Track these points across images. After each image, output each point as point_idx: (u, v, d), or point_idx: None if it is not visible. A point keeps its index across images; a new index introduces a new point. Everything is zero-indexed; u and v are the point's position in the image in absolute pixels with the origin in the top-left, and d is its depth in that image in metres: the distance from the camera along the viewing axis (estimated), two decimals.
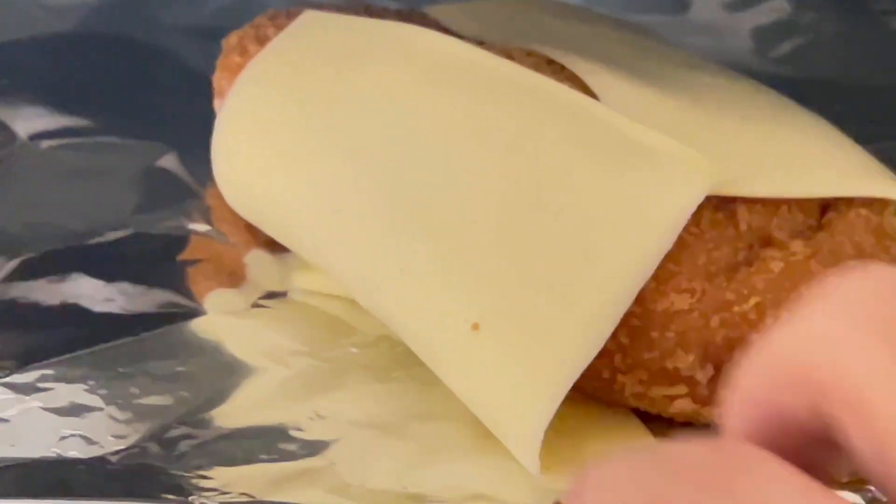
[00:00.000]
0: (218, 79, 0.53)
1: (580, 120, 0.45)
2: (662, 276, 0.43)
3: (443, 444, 0.44)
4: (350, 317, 0.49)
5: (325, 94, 0.48)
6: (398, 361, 0.47)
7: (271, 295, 0.50)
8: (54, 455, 0.42)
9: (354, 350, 0.47)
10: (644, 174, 0.43)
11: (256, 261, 0.51)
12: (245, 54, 0.52)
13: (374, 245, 0.45)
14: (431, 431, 0.44)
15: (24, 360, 0.45)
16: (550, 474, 0.42)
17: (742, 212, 0.45)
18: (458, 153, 0.45)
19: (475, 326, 0.43)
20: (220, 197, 0.52)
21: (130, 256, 0.50)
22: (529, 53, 0.50)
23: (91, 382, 0.45)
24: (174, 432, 0.43)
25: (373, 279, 0.46)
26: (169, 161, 0.55)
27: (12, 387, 0.44)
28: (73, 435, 0.43)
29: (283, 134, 0.49)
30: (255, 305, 0.49)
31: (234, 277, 0.51)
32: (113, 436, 0.43)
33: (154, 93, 0.60)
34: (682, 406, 0.44)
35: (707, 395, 0.44)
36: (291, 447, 0.43)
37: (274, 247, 0.52)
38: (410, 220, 0.45)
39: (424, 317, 0.44)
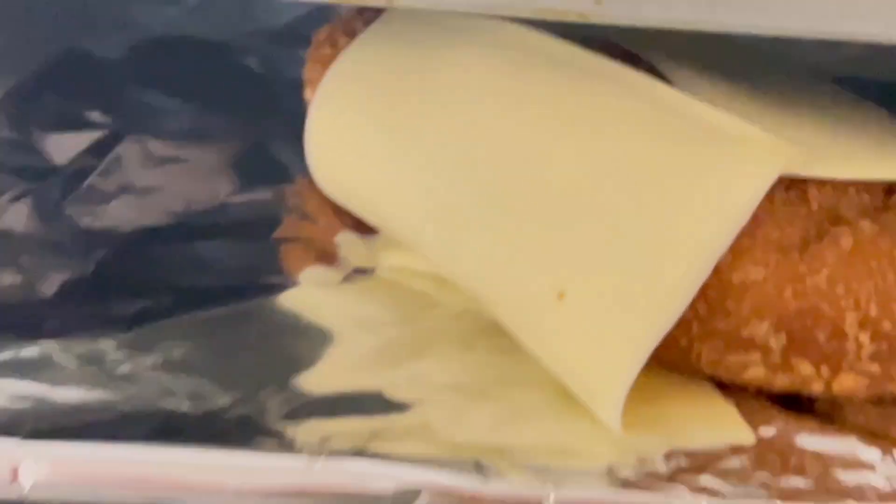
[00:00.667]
0: (309, 70, 0.55)
1: (657, 104, 0.48)
2: (738, 250, 0.45)
3: (526, 406, 0.46)
4: (435, 291, 0.51)
5: (414, 83, 0.51)
6: (482, 332, 0.49)
7: (360, 272, 0.53)
8: (164, 408, 0.45)
9: (439, 321, 0.50)
10: (720, 154, 0.46)
11: (346, 241, 0.54)
12: (335, 46, 0.54)
13: (464, 223, 0.48)
14: (515, 395, 0.47)
15: (135, 322, 0.48)
16: (632, 432, 0.44)
17: (813, 192, 0.47)
18: (542, 135, 0.48)
19: (561, 295, 0.45)
20: (310, 182, 0.55)
21: (227, 234, 0.53)
22: (606, 46, 0.52)
23: (191, 345, 0.47)
24: (272, 394, 0.46)
25: (462, 255, 0.48)
26: (261, 150, 0.58)
27: (125, 345, 0.47)
28: (179, 391, 0.45)
29: (374, 121, 0.52)
30: (345, 280, 0.52)
31: (325, 256, 0.53)
32: (214, 394, 0.46)
33: (243, 89, 0.63)
34: (755, 373, 0.46)
35: (779, 362, 0.46)
36: (383, 406, 0.45)
37: (361, 228, 0.54)
38: (499, 198, 0.48)
39: (512, 287, 0.47)
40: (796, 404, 0.48)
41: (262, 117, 0.61)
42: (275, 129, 0.59)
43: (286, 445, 0.43)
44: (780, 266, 0.46)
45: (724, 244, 0.44)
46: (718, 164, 0.46)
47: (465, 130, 0.49)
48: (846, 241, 0.46)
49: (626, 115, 0.47)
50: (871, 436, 0.47)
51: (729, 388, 0.48)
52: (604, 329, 0.44)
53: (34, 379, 0.45)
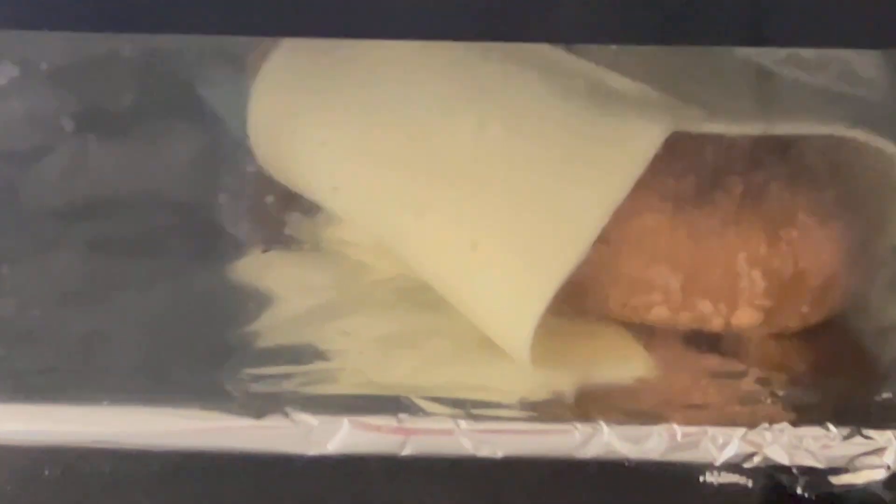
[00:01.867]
0: (252, 61, 0.60)
1: (560, 69, 0.52)
2: (636, 199, 0.49)
3: (447, 353, 0.50)
4: (372, 259, 0.55)
5: (341, 63, 0.55)
6: (410, 292, 0.53)
7: (304, 245, 0.57)
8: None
9: (372, 284, 0.54)
10: (617, 113, 0.50)
11: (292, 219, 0.58)
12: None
13: (390, 188, 0.52)
14: (437, 344, 0.51)
15: None
16: (544, 370, 0.48)
17: (708, 147, 0.51)
18: (455, 101, 0.52)
19: (475, 246, 0.49)
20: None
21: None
22: None
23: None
24: (212, 349, 0.50)
25: (389, 218, 0.52)
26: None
27: None
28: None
29: (306, 100, 0.56)
30: (290, 252, 0.56)
31: (272, 232, 0.58)
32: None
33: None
34: (659, 313, 0.50)
35: (680, 301, 0.50)
36: (313, 355, 0.49)
37: (306, 209, 0.58)
38: (420, 163, 0.52)
39: (432, 243, 0.51)
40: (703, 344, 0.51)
41: None
42: None
43: (221, 392, 0.47)
44: (676, 212, 0.50)
45: (620, 195, 0.48)
46: (615, 122, 0.50)
47: (387, 103, 0.53)
48: (738, 188, 0.50)
49: (530, 81, 0.51)
50: (772, 369, 0.50)
51: (639, 330, 0.51)
52: (512, 274, 0.48)
53: None
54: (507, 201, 0.50)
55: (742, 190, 0.50)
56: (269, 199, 0.59)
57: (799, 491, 0.46)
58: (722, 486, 0.47)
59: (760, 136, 0.51)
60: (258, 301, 0.53)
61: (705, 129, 0.50)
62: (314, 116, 0.55)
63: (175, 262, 0.55)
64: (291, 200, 0.59)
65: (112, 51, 0.66)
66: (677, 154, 0.50)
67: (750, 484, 0.46)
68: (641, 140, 0.49)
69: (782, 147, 0.52)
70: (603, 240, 0.49)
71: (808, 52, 0.67)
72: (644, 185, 0.49)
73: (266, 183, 0.59)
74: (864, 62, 0.68)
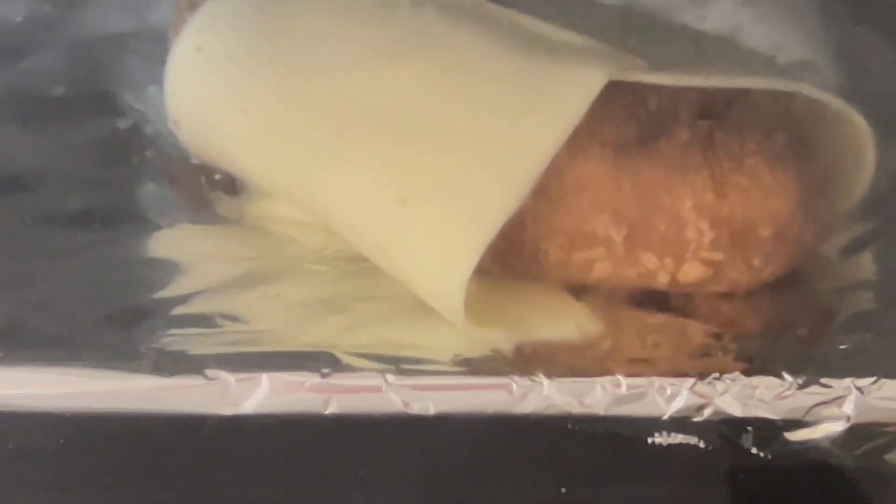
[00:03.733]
0: (172, 36, 0.57)
1: (497, 20, 0.49)
2: (575, 148, 0.46)
3: (377, 314, 0.47)
4: (296, 233, 0.52)
5: (262, 30, 0.52)
6: (336, 260, 0.50)
7: (229, 222, 0.54)
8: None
9: (296, 256, 0.51)
10: (553, 62, 0.47)
11: (216, 198, 0.55)
12: (194, 8, 0.56)
13: (316, 148, 0.49)
14: (366, 307, 0.47)
15: None
16: (481, 329, 0.45)
17: (652, 96, 0.48)
18: (384, 56, 0.49)
19: (402, 201, 0.46)
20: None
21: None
22: None
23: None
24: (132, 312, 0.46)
25: (314, 180, 0.49)
26: None
27: None
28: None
29: (227, 68, 0.53)
30: (212, 226, 0.53)
31: (195, 209, 0.54)
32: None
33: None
34: (603, 269, 0.47)
35: (623, 255, 0.47)
36: (231, 320, 0.46)
37: (231, 190, 0.55)
38: (346, 119, 0.49)
39: (359, 200, 0.48)
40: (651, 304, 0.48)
41: None
42: None
43: (134, 354, 0.44)
44: (617, 161, 0.47)
45: (557, 142, 0.45)
46: (552, 69, 0.47)
47: (314, 62, 0.50)
48: (683, 135, 0.47)
49: (464, 31, 0.49)
50: (724, 326, 0.47)
51: (584, 291, 0.48)
52: (443, 229, 0.45)
53: None
54: (438, 153, 0.47)
55: (688, 137, 0.47)
56: (192, 177, 0.56)
57: (753, 450, 0.43)
58: (672, 446, 0.43)
59: (706, 88, 0.48)
60: (177, 271, 0.50)
61: (646, 79, 0.47)
62: (234, 79, 0.52)
63: (95, 236, 0.52)
64: (215, 179, 0.56)
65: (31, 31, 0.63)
66: (620, 103, 0.48)
67: (702, 444, 0.43)
68: (579, 86, 0.46)
69: (729, 98, 0.49)
70: (541, 192, 0.46)
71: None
72: (584, 134, 0.46)
73: (188, 160, 0.56)
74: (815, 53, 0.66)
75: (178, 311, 0.47)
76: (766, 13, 0.66)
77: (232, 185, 0.55)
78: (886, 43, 0.66)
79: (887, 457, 0.43)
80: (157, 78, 0.56)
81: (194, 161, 0.56)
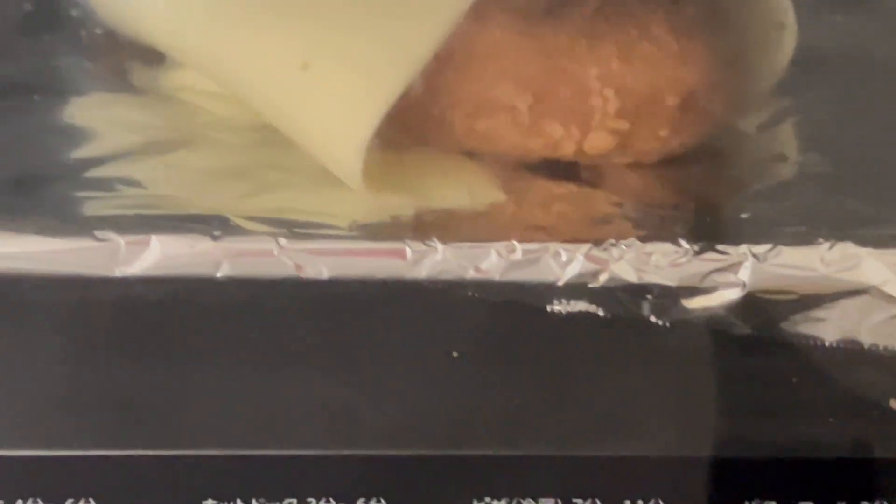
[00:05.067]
0: None
1: None
2: (481, 16, 0.46)
3: (279, 182, 0.46)
4: (208, 103, 0.52)
5: None
6: (246, 131, 0.50)
7: (143, 93, 0.53)
8: None
9: (205, 125, 0.50)
10: None
11: (132, 68, 0.54)
12: None
13: (219, 16, 0.49)
14: (269, 175, 0.47)
15: None
16: (380, 195, 0.45)
17: None
18: None
19: (305, 66, 0.46)
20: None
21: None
22: None
23: None
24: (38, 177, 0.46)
25: (218, 47, 0.49)
26: None
27: None
28: None
29: None
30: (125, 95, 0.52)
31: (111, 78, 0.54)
32: None
33: None
34: (508, 138, 0.47)
35: (529, 124, 0.46)
36: (131, 184, 0.46)
37: (148, 60, 0.55)
38: None
39: (261, 64, 0.47)
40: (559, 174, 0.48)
41: None
42: None
43: (22, 216, 0.43)
44: (523, 29, 0.46)
45: (459, 8, 0.45)
46: None
47: None
48: (592, 4, 0.46)
49: None
50: (630, 196, 0.47)
51: (489, 162, 0.48)
52: (343, 93, 0.45)
53: None
54: (339, 18, 0.46)
55: (597, 6, 0.46)
56: (110, 47, 0.55)
57: (651, 318, 0.43)
58: (571, 315, 0.43)
59: None
60: (81, 137, 0.49)
61: None
62: None
63: (12, 104, 0.51)
64: (131, 50, 0.55)
65: None
66: None
67: (601, 312, 0.43)
68: None
69: None
70: (446, 59, 0.46)
71: None
72: (491, 0, 0.45)
73: (106, 30, 0.56)
74: None
75: (77, 176, 0.46)
76: None
77: (148, 56, 0.55)
78: None
79: (783, 325, 0.42)
80: None
81: (112, 31, 0.55)
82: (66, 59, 0.55)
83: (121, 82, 0.54)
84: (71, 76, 0.54)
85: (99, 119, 0.51)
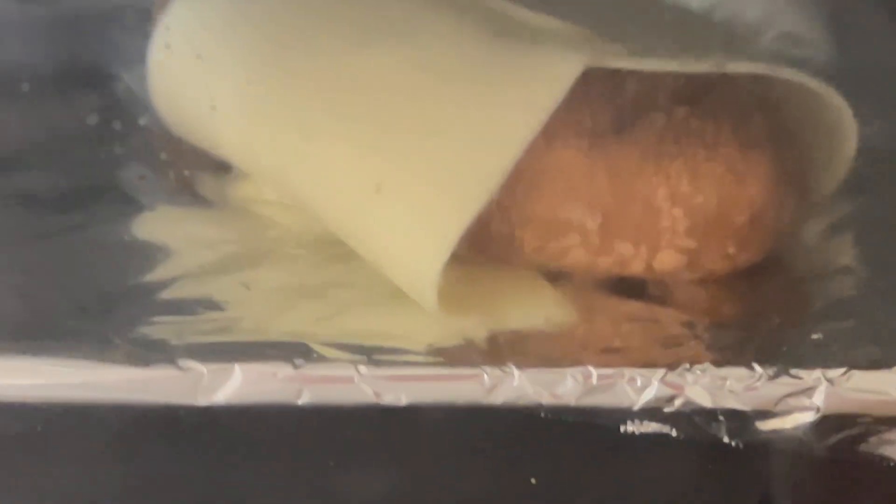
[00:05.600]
0: (155, 12, 0.57)
1: (474, 6, 0.49)
2: (551, 135, 0.46)
3: (353, 302, 0.47)
4: (278, 216, 0.53)
5: (225, 25, 0.53)
6: (318, 245, 0.51)
7: (211, 204, 0.54)
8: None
9: (276, 239, 0.51)
10: (530, 48, 0.47)
11: (200, 179, 0.55)
12: None
13: (296, 134, 0.49)
14: (342, 294, 0.48)
15: None
16: (454, 317, 0.45)
17: (629, 83, 0.48)
18: (364, 41, 0.49)
19: (378, 188, 0.46)
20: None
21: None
22: None
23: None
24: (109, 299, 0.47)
25: (294, 166, 0.50)
26: None
27: None
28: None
29: (191, 63, 0.53)
30: (195, 209, 0.53)
31: (180, 190, 0.55)
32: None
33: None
34: (577, 257, 0.47)
35: (598, 243, 0.47)
36: (209, 307, 0.46)
37: (215, 168, 0.56)
38: (324, 106, 0.49)
39: (335, 186, 0.48)
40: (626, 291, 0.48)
41: None
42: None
43: (107, 343, 0.44)
44: (592, 148, 0.47)
45: (533, 129, 0.45)
46: (529, 55, 0.47)
47: (286, 48, 0.50)
48: (659, 123, 0.47)
49: (442, 16, 0.49)
50: (698, 314, 0.47)
51: (557, 277, 0.48)
52: (418, 216, 0.46)
53: None
54: (413, 140, 0.47)
55: (663, 124, 0.47)
56: (177, 158, 0.56)
57: (725, 439, 0.43)
58: (644, 435, 0.44)
59: (683, 73, 0.48)
60: (154, 255, 0.50)
61: (623, 65, 0.47)
62: (201, 75, 0.53)
63: (78, 218, 0.52)
64: (200, 160, 0.56)
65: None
66: (596, 89, 0.48)
67: (673, 433, 0.44)
68: (556, 72, 0.46)
69: (707, 83, 0.49)
70: (516, 179, 0.46)
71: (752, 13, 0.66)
72: (560, 121, 0.46)
73: (171, 142, 0.56)
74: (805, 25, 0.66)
75: (157, 296, 0.47)
76: None
77: (216, 166, 0.56)
78: (881, 13, 0.66)
79: (861, 447, 0.43)
80: (145, 54, 0.56)
81: (180, 143, 0.56)
82: (133, 171, 0.56)
83: (188, 195, 0.55)
84: (138, 188, 0.55)
85: (167, 234, 0.52)
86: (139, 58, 0.57)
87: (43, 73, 0.61)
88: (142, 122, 0.59)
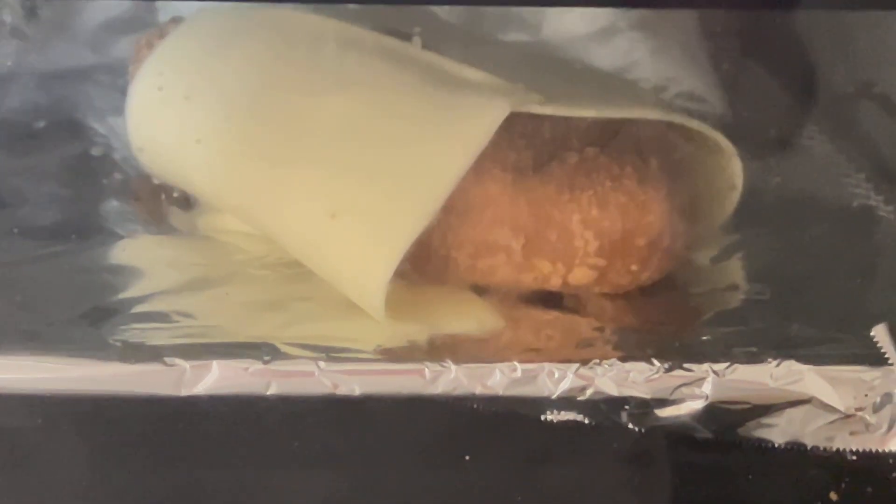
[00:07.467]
0: (132, 71, 0.64)
1: (414, 60, 0.57)
2: (479, 170, 0.54)
3: (312, 313, 0.55)
4: (242, 243, 0.60)
5: (214, 64, 0.60)
6: (278, 267, 0.58)
7: (183, 233, 0.61)
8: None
9: (242, 262, 0.58)
10: (461, 96, 0.55)
11: (172, 212, 0.63)
12: (151, 47, 0.64)
13: (257, 169, 0.57)
14: (303, 307, 0.55)
15: None
16: (399, 324, 0.53)
17: (547, 126, 0.57)
18: (320, 89, 0.57)
19: (333, 215, 0.54)
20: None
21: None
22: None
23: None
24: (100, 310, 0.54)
25: (255, 197, 0.57)
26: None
27: None
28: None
29: (181, 104, 0.61)
30: (166, 237, 0.61)
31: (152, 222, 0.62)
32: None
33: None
34: (504, 274, 0.55)
35: (521, 262, 0.55)
36: (183, 317, 0.54)
37: (185, 205, 0.63)
38: (285, 144, 0.57)
39: (294, 215, 0.56)
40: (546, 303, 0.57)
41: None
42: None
43: (103, 344, 0.51)
44: (516, 182, 0.55)
45: (463, 167, 0.53)
46: (461, 103, 0.55)
47: (255, 98, 0.58)
48: (572, 160, 0.55)
49: (388, 70, 0.57)
50: (607, 321, 0.55)
51: (486, 293, 0.56)
52: (367, 238, 0.53)
53: None
54: (362, 175, 0.55)
55: (576, 161, 0.55)
56: (152, 194, 0.64)
57: (630, 425, 0.51)
58: (561, 422, 0.51)
59: (594, 118, 0.56)
60: (132, 276, 0.57)
61: (542, 111, 0.55)
62: (189, 114, 0.60)
63: (69, 245, 0.60)
64: (172, 196, 0.64)
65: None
66: (519, 131, 0.56)
67: (587, 420, 0.51)
68: (484, 116, 0.54)
69: (614, 128, 0.57)
70: (450, 208, 0.54)
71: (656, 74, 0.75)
72: (488, 157, 0.54)
73: (149, 180, 0.64)
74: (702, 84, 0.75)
75: (139, 309, 0.54)
76: (660, 48, 0.75)
77: (186, 201, 0.63)
78: (766, 73, 0.75)
79: (739, 430, 0.51)
80: (119, 107, 0.64)
81: (154, 181, 0.64)
82: (113, 205, 0.63)
83: (161, 224, 0.62)
84: (118, 220, 0.62)
85: (145, 258, 0.59)
86: (115, 109, 0.65)
87: (37, 125, 0.68)
88: (119, 162, 0.66)
